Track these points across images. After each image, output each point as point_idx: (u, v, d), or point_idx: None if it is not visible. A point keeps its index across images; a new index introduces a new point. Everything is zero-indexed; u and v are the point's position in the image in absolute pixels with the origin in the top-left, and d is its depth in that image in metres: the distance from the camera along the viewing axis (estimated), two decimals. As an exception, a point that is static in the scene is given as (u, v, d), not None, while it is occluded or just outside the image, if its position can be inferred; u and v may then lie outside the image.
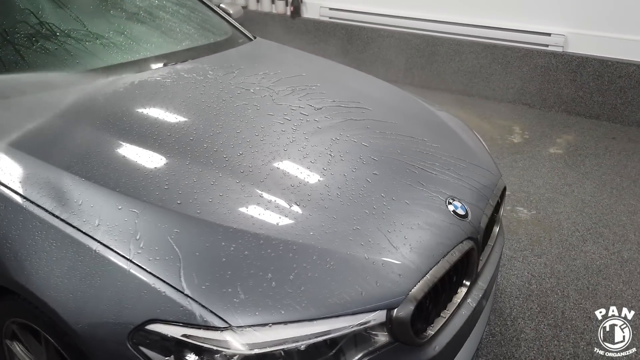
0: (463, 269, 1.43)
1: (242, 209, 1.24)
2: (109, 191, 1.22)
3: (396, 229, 1.30)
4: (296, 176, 1.40)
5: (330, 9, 5.55)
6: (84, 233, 1.13)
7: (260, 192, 1.31)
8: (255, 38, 2.54)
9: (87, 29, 1.92)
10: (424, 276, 1.23)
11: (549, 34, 4.42)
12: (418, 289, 1.20)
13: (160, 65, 1.93)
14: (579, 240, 2.69)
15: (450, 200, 1.46)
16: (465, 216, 1.44)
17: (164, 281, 1.06)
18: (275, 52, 2.47)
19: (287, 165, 1.44)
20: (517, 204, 3.03)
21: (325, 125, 1.67)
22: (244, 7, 6.16)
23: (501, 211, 1.78)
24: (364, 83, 2.26)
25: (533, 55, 4.54)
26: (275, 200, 1.29)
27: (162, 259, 1.09)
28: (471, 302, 1.45)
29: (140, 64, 1.89)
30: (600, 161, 3.64)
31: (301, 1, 5.72)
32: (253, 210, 1.24)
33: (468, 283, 1.46)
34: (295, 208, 1.28)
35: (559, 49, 4.43)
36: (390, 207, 1.37)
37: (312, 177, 1.41)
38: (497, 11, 4.65)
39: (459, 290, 1.44)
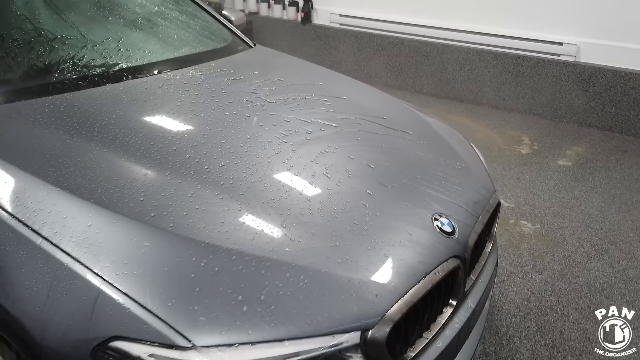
0: (448, 288, 1.38)
1: (218, 223, 1.21)
2: (82, 202, 1.20)
3: (377, 246, 1.26)
4: (277, 189, 1.36)
5: (341, 15, 5.54)
6: (54, 244, 1.11)
7: (238, 205, 1.28)
8: (255, 45, 2.52)
9: (83, 34, 1.92)
10: (403, 296, 1.19)
11: (561, 44, 4.34)
12: (395, 310, 1.16)
13: (154, 72, 1.92)
14: (583, 256, 2.61)
15: (437, 217, 1.41)
16: (452, 233, 1.39)
17: (129, 297, 1.03)
18: (273, 60, 2.44)
19: (269, 178, 1.40)
20: (521, 217, 2.96)
21: (315, 136, 1.64)
22: (255, 13, 6.19)
23: (494, 228, 1.73)
24: (360, 92, 2.22)
25: (544, 65, 4.46)
26: (253, 214, 1.26)
27: (130, 274, 1.07)
28: (457, 323, 1.40)
29: (132, 72, 1.87)
30: (610, 174, 3.54)
31: (312, 7, 5.71)
32: (229, 224, 1.21)
33: (454, 303, 1.41)
34: (273, 222, 1.25)
35: (571, 59, 4.34)
36: (373, 223, 1.33)
37: (294, 191, 1.37)
38: (508, 19, 4.58)
39: (444, 310, 1.39)
